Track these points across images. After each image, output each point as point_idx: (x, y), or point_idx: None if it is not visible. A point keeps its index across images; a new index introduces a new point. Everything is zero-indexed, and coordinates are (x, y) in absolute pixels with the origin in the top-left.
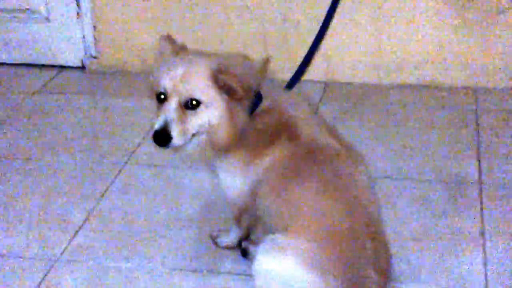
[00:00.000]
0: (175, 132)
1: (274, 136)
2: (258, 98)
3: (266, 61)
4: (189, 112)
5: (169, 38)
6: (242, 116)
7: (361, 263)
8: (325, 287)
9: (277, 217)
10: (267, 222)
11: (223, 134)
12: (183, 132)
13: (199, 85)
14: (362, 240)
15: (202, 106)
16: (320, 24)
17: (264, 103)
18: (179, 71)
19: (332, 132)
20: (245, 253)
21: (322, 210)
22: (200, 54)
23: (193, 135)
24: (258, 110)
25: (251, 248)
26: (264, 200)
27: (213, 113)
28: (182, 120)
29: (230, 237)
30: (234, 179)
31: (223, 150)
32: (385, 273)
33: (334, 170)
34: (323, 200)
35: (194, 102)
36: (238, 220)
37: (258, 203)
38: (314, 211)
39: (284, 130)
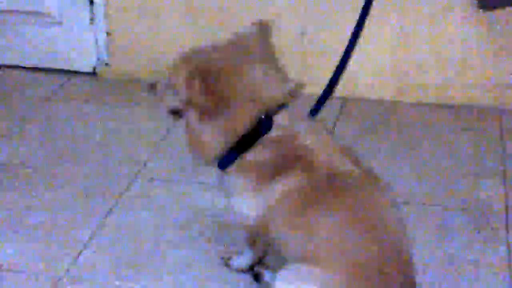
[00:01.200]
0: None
1: (286, 165)
2: (265, 124)
3: (299, 86)
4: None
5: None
6: (203, 133)
7: None
8: None
9: (292, 247)
10: (281, 252)
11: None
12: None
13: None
14: (390, 278)
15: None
16: (346, 44)
17: (274, 132)
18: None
19: (352, 156)
20: (257, 278)
21: (348, 242)
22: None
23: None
24: (264, 139)
25: (265, 273)
26: (278, 229)
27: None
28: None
29: (243, 260)
30: (242, 201)
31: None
32: None
33: (357, 199)
34: (348, 231)
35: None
36: (250, 243)
37: (271, 231)
38: (339, 243)
39: (297, 161)
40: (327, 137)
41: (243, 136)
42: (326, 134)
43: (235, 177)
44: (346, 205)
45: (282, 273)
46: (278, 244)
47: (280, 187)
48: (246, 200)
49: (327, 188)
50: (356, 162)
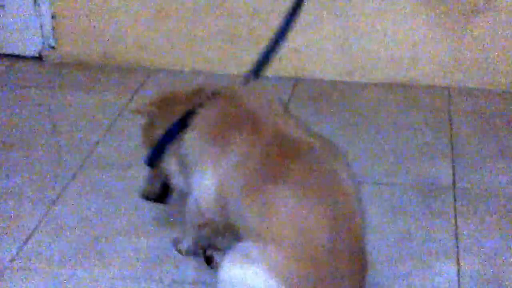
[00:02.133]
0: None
1: (234, 129)
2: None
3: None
4: None
5: None
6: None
7: (336, 282)
8: None
9: (249, 221)
10: (238, 228)
11: None
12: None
13: None
14: (342, 259)
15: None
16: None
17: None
18: None
19: (303, 126)
20: (209, 261)
21: (301, 216)
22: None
23: None
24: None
25: (216, 256)
26: (234, 202)
27: None
28: None
29: (187, 242)
30: (203, 179)
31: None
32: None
33: (311, 168)
34: (301, 205)
35: None
36: (196, 227)
37: (226, 206)
38: (291, 217)
39: (244, 123)
40: (275, 100)
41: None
42: (272, 97)
43: (195, 141)
44: (301, 175)
45: (230, 254)
46: (236, 221)
47: (233, 156)
48: (208, 171)
49: (280, 155)
50: (306, 128)
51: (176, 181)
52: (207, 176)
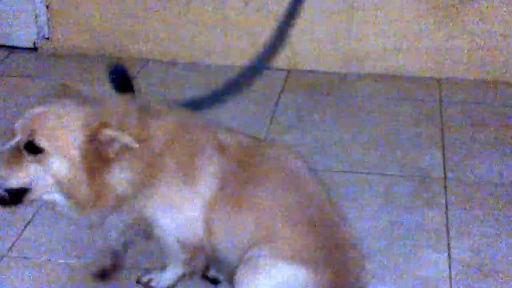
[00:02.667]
0: None
1: (197, 151)
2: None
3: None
4: (28, 156)
5: (64, 85)
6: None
7: (336, 246)
8: (314, 278)
9: (240, 238)
10: (221, 255)
11: (78, 193)
12: (5, 175)
13: (50, 128)
14: (330, 227)
15: (45, 154)
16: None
17: (161, 124)
18: (38, 110)
19: (239, 132)
20: (216, 282)
21: (288, 206)
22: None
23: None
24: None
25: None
26: (223, 218)
27: (60, 165)
28: (13, 163)
29: (168, 276)
30: (179, 211)
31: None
32: (358, 249)
33: (279, 167)
34: (285, 198)
35: (34, 146)
36: (191, 261)
37: (212, 228)
38: (281, 209)
39: (204, 143)
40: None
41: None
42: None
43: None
44: (274, 175)
45: (243, 269)
46: (221, 244)
47: (208, 177)
48: (185, 206)
49: (250, 163)
50: (244, 134)
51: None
52: (187, 210)
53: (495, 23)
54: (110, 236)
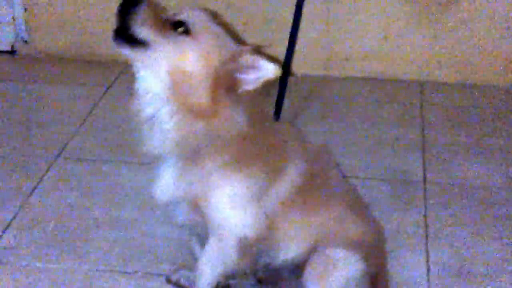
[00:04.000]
0: (137, 18)
1: (288, 152)
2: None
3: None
4: (173, 31)
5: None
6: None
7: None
8: (368, 270)
9: (300, 238)
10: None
11: (195, 98)
12: (145, 27)
13: (208, 24)
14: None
15: (189, 38)
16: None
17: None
18: (201, 10)
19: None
20: None
21: (348, 206)
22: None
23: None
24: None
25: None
26: (286, 224)
27: (194, 59)
28: (157, 24)
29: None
30: (247, 207)
31: (205, 114)
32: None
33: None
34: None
35: (183, 26)
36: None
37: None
38: (345, 209)
39: (292, 145)
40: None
41: None
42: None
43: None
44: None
45: (309, 273)
46: (276, 243)
47: (286, 181)
48: (251, 206)
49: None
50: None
51: None
52: (249, 207)
53: (476, 27)
54: (176, 221)
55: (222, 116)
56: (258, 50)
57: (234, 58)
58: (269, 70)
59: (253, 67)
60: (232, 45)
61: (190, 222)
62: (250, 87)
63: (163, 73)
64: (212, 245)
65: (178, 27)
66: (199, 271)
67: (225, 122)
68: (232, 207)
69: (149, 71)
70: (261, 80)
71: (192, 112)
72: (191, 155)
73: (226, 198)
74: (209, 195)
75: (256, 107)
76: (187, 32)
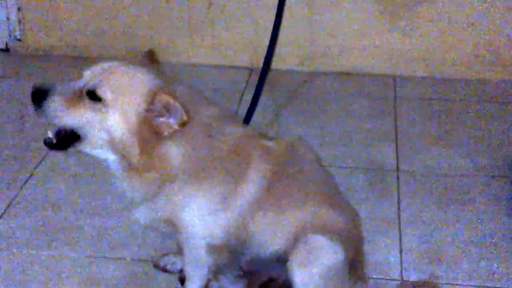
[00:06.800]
0: (52, 99)
1: (246, 157)
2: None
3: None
4: (87, 102)
5: (149, 54)
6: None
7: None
8: (346, 257)
9: (279, 231)
10: (254, 247)
11: (132, 156)
12: (60, 111)
13: (116, 82)
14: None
15: (105, 105)
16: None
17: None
18: (110, 63)
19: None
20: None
21: (325, 195)
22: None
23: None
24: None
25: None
26: (262, 224)
27: (116, 122)
28: (72, 104)
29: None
30: (214, 217)
31: (138, 170)
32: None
33: (310, 162)
34: (320, 187)
35: (96, 95)
36: (214, 274)
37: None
38: (321, 198)
39: (251, 148)
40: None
41: None
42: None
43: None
44: (310, 171)
45: (297, 255)
46: (256, 239)
47: (251, 184)
48: (220, 213)
49: (290, 165)
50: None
51: None
52: (219, 214)
53: (447, 23)
54: (138, 222)
55: (160, 164)
56: (170, 90)
57: (149, 103)
58: (179, 110)
59: (167, 110)
60: (144, 88)
61: (152, 224)
62: (171, 130)
63: (100, 142)
64: (187, 254)
65: (91, 97)
66: (187, 276)
67: (165, 164)
68: (200, 219)
69: (92, 143)
70: (177, 125)
71: (134, 167)
72: (150, 195)
73: (193, 213)
74: (179, 213)
75: (206, 123)
76: (99, 99)
